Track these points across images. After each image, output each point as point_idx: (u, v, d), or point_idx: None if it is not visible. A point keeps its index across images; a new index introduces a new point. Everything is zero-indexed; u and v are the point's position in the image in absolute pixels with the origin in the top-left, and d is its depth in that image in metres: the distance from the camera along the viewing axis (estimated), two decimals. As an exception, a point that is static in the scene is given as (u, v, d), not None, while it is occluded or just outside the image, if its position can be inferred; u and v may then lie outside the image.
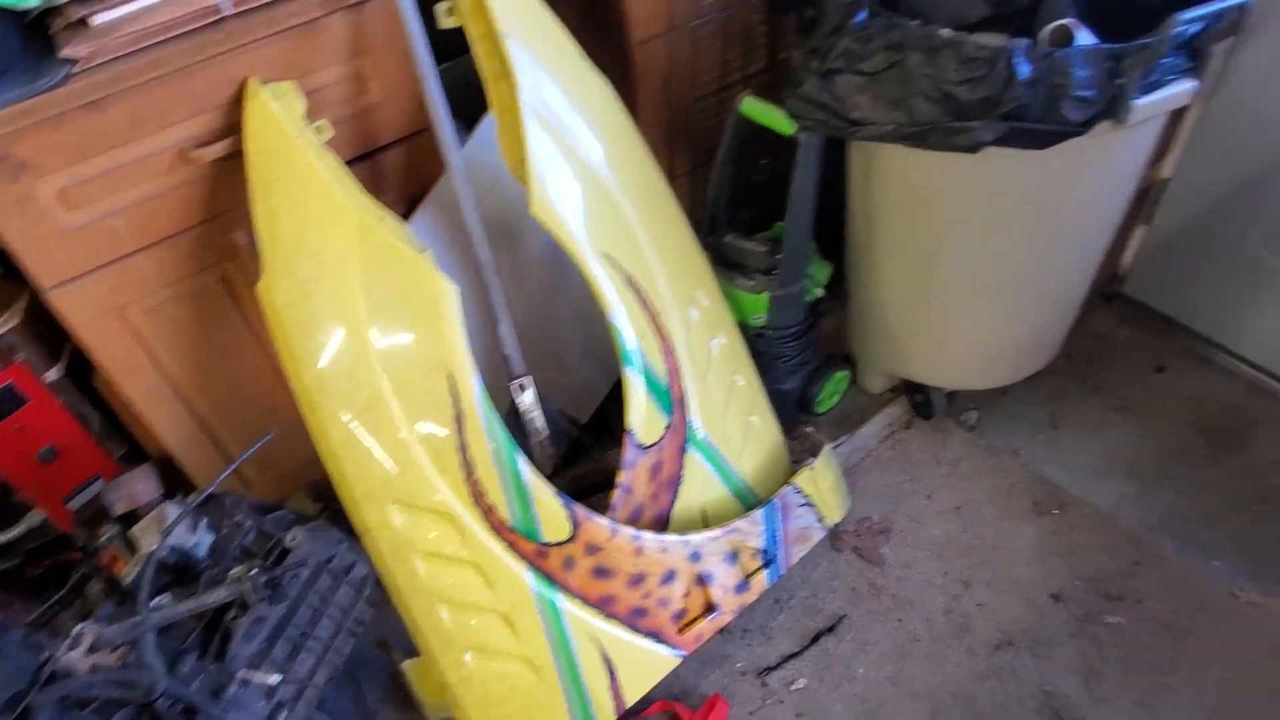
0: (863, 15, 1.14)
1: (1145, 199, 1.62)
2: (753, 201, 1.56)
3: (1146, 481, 1.52)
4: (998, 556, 1.44)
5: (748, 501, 1.38)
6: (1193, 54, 1.05)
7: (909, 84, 1.06)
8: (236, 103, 1.05)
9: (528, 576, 1.12)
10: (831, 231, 1.50)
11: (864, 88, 1.10)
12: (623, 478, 1.22)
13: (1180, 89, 1.06)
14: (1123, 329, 1.78)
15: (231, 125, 1.06)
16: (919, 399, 1.64)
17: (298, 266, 1.00)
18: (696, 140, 1.53)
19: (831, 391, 1.65)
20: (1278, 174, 1.43)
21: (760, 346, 1.46)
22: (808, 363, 1.55)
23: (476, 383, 1.08)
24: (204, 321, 1.22)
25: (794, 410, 1.60)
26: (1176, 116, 1.46)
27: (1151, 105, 1.04)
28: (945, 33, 1.07)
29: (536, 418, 1.31)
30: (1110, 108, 1.01)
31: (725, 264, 1.45)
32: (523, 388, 1.28)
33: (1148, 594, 1.36)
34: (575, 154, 1.16)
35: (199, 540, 1.04)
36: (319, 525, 1.08)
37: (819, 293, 1.46)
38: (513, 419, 1.31)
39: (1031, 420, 1.65)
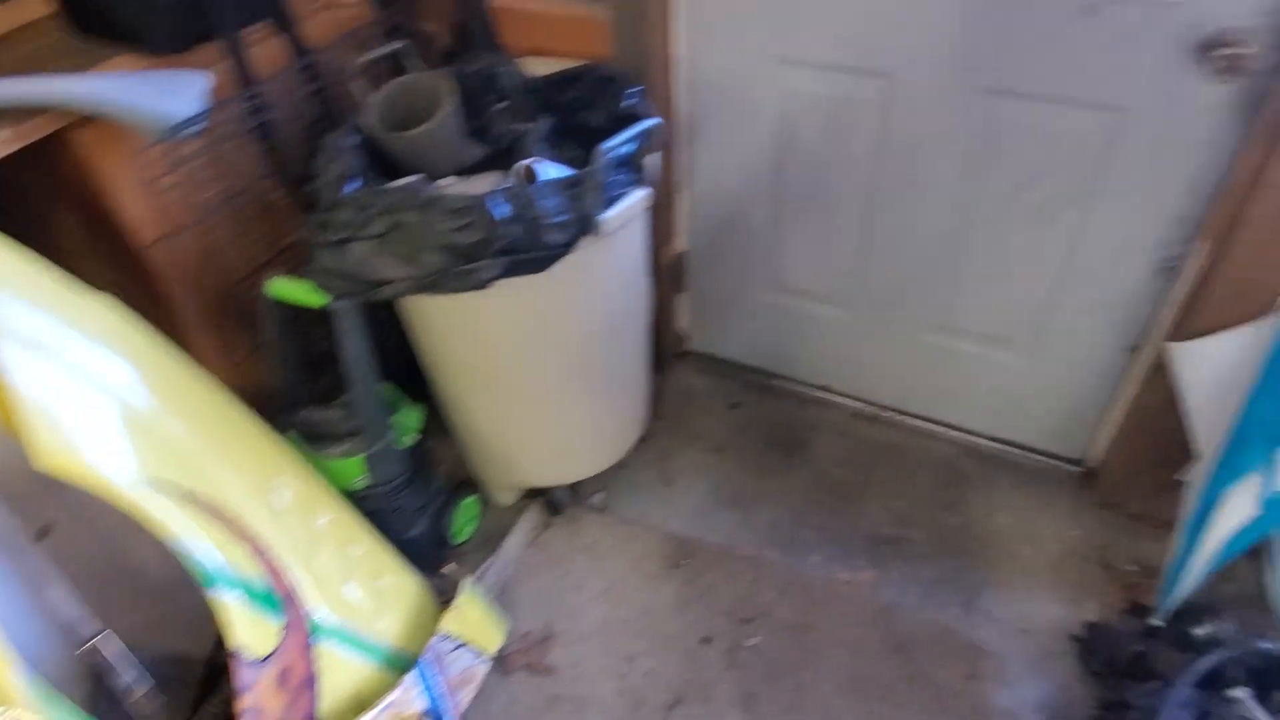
0: (354, 185, 1.21)
1: (675, 271, 1.88)
2: (327, 367, 1.55)
3: (748, 506, 1.74)
4: (650, 621, 1.55)
5: (403, 666, 1.34)
6: (636, 168, 1.26)
7: (413, 240, 1.14)
8: None
9: None
10: (416, 372, 1.54)
11: (375, 250, 1.16)
12: (246, 702, 1.11)
13: (635, 197, 1.26)
14: (699, 380, 2.03)
15: None
16: (546, 499, 1.73)
17: None
18: (250, 321, 1.49)
19: (466, 519, 1.68)
20: (746, 236, 1.75)
21: (373, 505, 1.43)
22: (429, 504, 1.56)
23: (22, 673, 0.93)
24: None
25: (433, 551, 1.59)
26: (668, 206, 1.73)
27: (617, 216, 1.22)
28: (431, 190, 1.17)
29: (127, 674, 1.16)
30: (584, 226, 1.18)
31: (312, 437, 1.42)
32: (98, 649, 1.12)
33: (772, 606, 1.55)
34: (88, 387, 1.07)
35: None
36: None
37: (412, 438, 1.49)
38: (99, 686, 1.14)
39: (649, 484, 1.81)
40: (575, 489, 1.76)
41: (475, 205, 1.11)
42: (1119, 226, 1.39)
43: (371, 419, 1.37)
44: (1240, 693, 1.19)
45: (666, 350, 2.01)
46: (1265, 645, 1.24)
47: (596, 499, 1.78)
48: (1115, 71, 1.24)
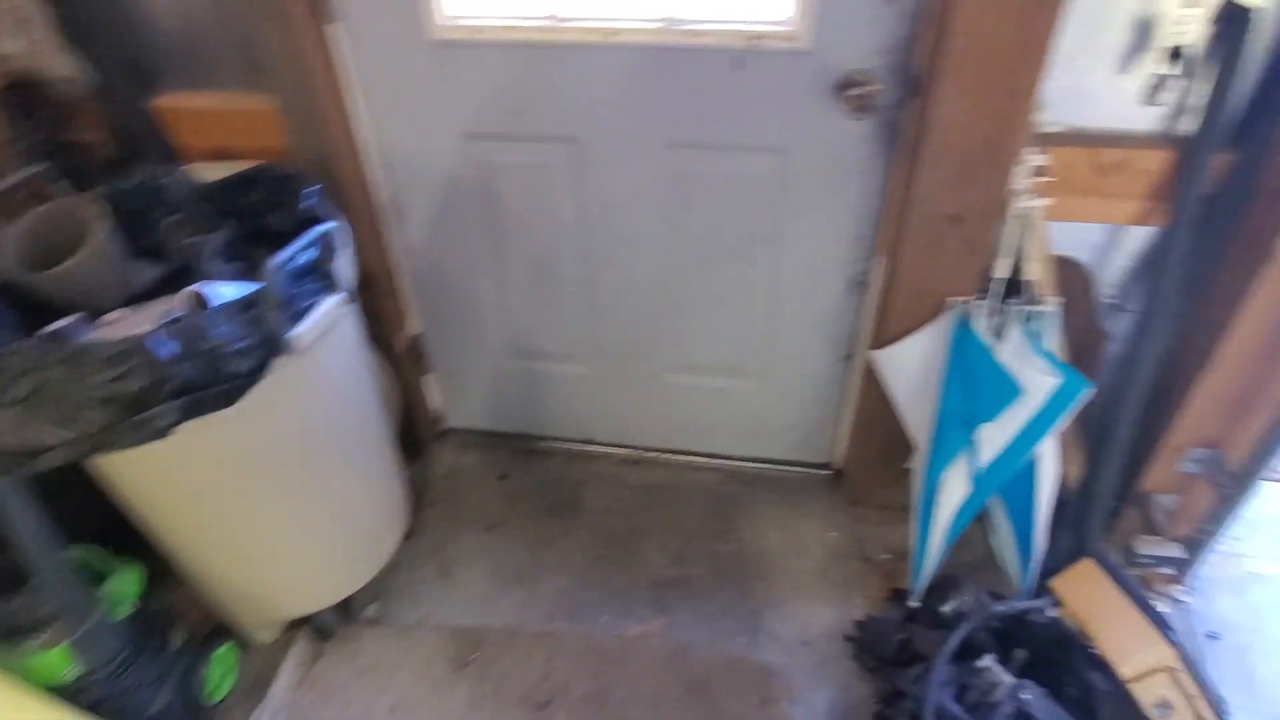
0: (-16, 347, 1.04)
1: (414, 354, 1.81)
2: (3, 549, 1.33)
3: (531, 580, 1.69)
4: (444, 732, 1.46)
5: None
6: (323, 274, 1.19)
7: (65, 399, 0.99)
8: None
9: None
10: (127, 526, 1.36)
11: (20, 417, 1.00)
12: None
13: (328, 303, 1.18)
14: (463, 457, 1.97)
15: None
16: (313, 626, 1.59)
17: None
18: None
19: (222, 673, 1.50)
20: (478, 307, 1.72)
21: (96, 694, 1.24)
22: (169, 670, 1.37)
23: None
24: None
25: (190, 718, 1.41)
26: (392, 291, 1.66)
27: (311, 329, 1.14)
28: (79, 337, 1.03)
29: None
30: (271, 348, 1.09)
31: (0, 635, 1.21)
32: None
33: (568, 680, 1.51)
34: None
35: None
36: None
37: (131, 605, 1.31)
38: None
39: (427, 580, 1.71)
40: (344, 607, 1.63)
41: (134, 349, 0.99)
42: (808, 252, 1.49)
43: (68, 599, 1.18)
44: (987, 660, 1.30)
45: (423, 434, 1.93)
46: (999, 608, 1.36)
47: (370, 611, 1.66)
48: (771, 116, 1.34)
